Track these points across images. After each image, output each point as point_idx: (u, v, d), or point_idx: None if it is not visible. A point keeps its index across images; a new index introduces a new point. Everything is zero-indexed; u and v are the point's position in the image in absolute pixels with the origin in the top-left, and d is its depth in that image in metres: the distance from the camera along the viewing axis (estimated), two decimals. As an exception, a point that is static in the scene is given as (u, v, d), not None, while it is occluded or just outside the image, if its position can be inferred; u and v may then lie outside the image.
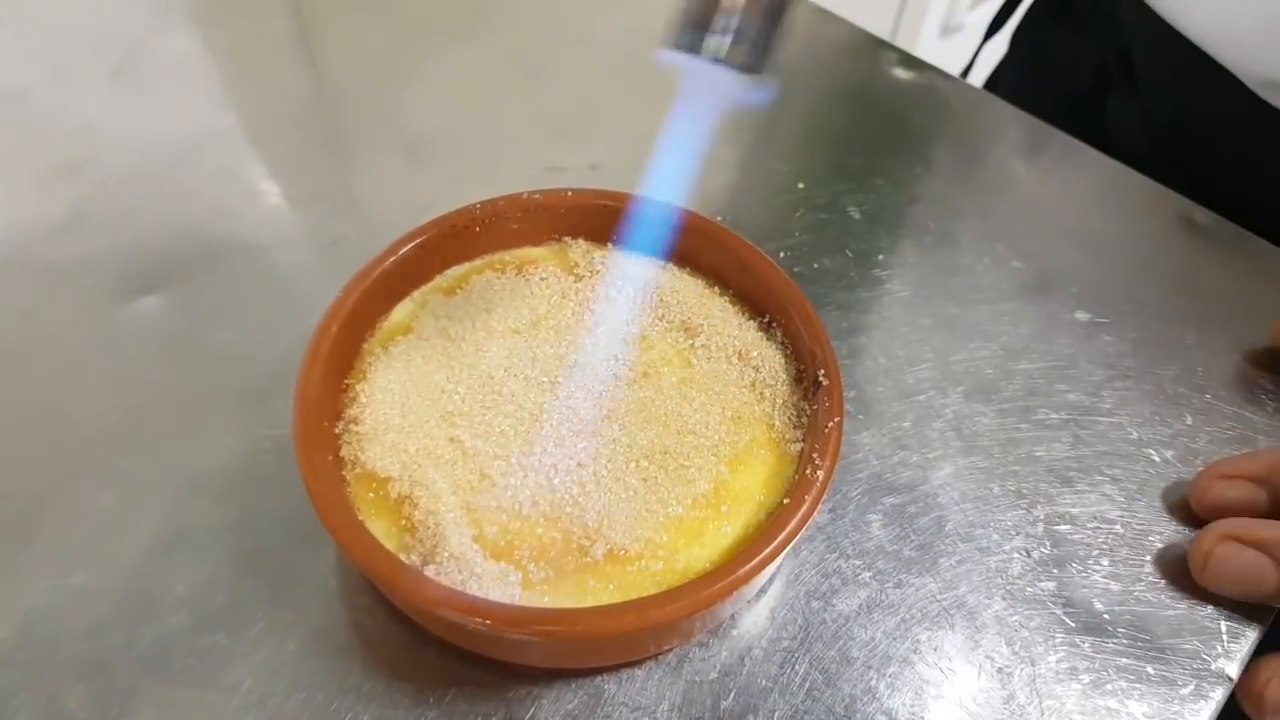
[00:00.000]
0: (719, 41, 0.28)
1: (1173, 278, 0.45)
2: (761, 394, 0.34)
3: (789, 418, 0.34)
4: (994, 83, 0.70)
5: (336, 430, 0.33)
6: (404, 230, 0.36)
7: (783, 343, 0.36)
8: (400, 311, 0.37)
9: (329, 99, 0.53)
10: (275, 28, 0.56)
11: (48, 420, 0.37)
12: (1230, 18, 0.47)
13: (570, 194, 0.39)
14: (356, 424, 0.33)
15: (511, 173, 0.48)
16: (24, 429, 0.37)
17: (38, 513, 0.35)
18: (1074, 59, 0.63)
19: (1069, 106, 0.52)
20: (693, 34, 0.28)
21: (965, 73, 0.59)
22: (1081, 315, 0.44)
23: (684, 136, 0.31)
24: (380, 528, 0.31)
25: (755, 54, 0.28)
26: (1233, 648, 0.33)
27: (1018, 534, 0.36)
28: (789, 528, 0.29)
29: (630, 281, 0.38)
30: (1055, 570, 0.35)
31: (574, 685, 0.31)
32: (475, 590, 0.29)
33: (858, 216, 0.47)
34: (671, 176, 0.32)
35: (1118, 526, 0.36)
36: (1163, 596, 0.35)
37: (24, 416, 0.37)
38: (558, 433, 0.32)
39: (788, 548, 0.29)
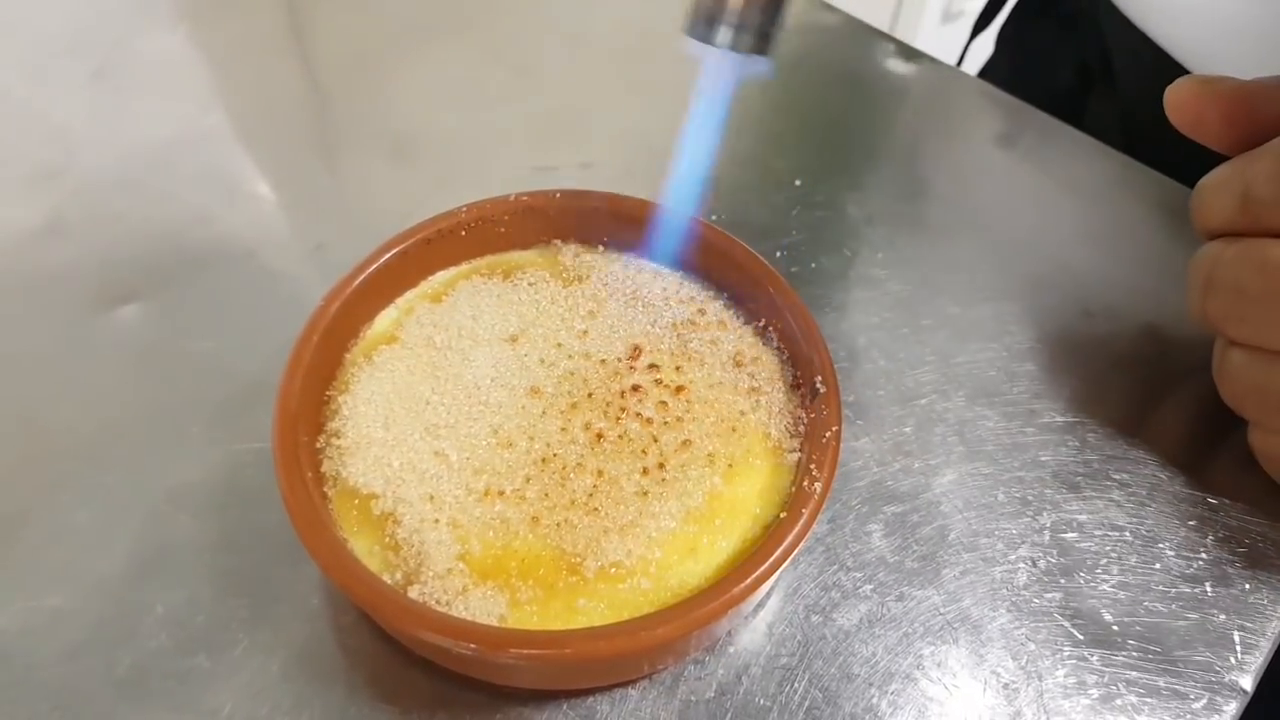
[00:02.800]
0: (728, 33, 0.32)
1: (1176, 267, 0.44)
2: (757, 401, 0.33)
3: (785, 426, 0.33)
4: (982, 78, 0.70)
5: (318, 444, 0.32)
6: (390, 234, 0.35)
7: (779, 347, 0.35)
8: (384, 319, 0.36)
9: (313, 99, 0.52)
10: (258, 27, 0.55)
11: (23, 435, 0.36)
12: (1194, 25, 0.48)
13: (559, 195, 0.37)
14: (338, 438, 0.32)
15: (501, 173, 0.47)
16: (-1, 444, 0.36)
17: (12, 531, 0.34)
18: (1057, 58, 0.63)
19: (1051, 105, 0.52)
20: (704, 26, 0.32)
21: (956, 67, 0.59)
22: (1087, 312, 0.42)
23: (701, 125, 0.35)
24: (363, 546, 0.30)
25: (761, 41, 0.32)
26: (1246, 659, 0.32)
27: (1023, 543, 0.35)
28: (785, 543, 0.28)
29: (622, 285, 0.36)
30: (1062, 580, 0.34)
31: (565, 706, 0.30)
32: (461, 611, 0.28)
33: (856, 213, 0.46)
34: (693, 163, 0.36)
35: (1126, 534, 0.35)
36: (1174, 606, 0.33)
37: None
38: (546, 445, 0.31)
39: (784, 564, 0.28)
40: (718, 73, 0.33)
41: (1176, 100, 0.36)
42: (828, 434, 0.31)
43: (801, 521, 0.29)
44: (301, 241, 0.44)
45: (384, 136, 0.49)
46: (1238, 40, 0.47)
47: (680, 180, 0.36)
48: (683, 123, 0.35)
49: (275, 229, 0.44)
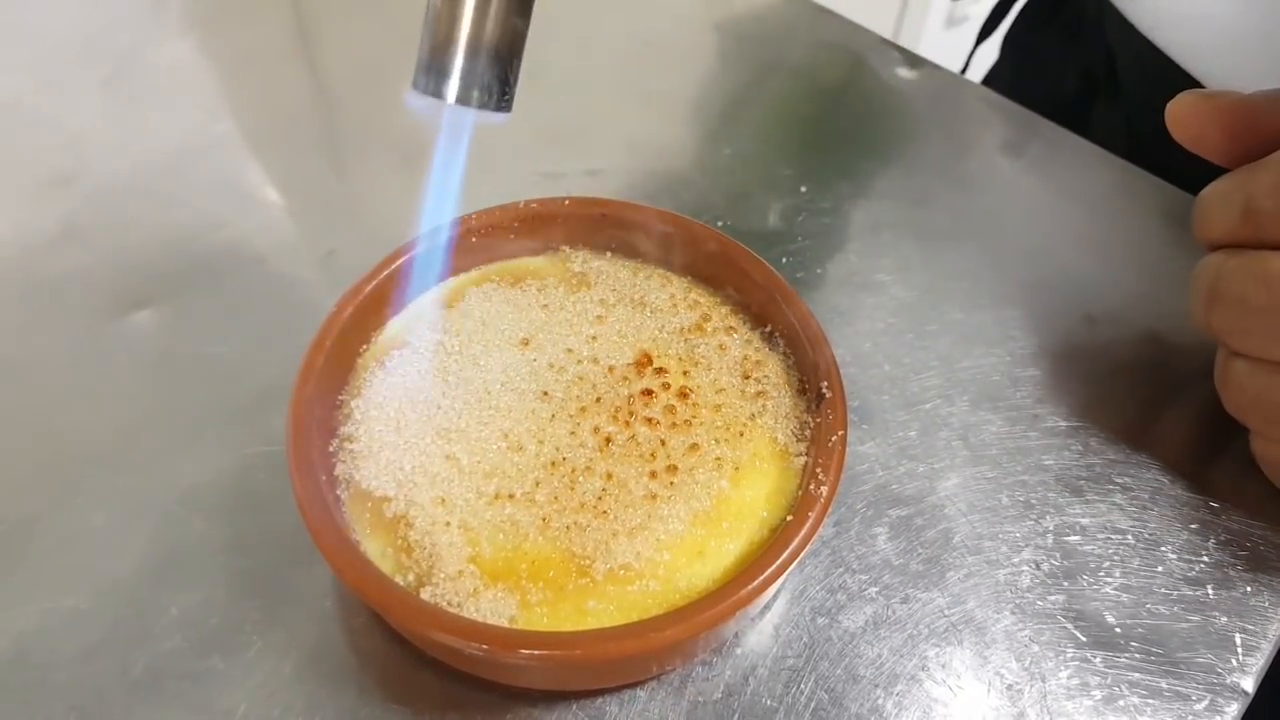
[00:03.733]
0: (456, 85, 0.28)
1: (1178, 273, 0.44)
2: (764, 406, 0.34)
3: (792, 430, 0.33)
4: (987, 86, 0.71)
5: (331, 448, 0.32)
6: (401, 240, 0.36)
7: (785, 353, 0.35)
8: (395, 324, 0.36)
9: (324, 107, 0.52)
10: (269, 35, 0.56)
11: (38, 439, 0.37)
12: (1199, 33, 0.48)
13: (568, 202, 0.38)
14: (351, 441, 0.32)
15: (509, 180, 0.48)
16: (14, 448, 0.37)
17: (28, 534, 0.34)
18: (1062, 65, 0.63)
19: (1055, 112, 0.52)
20: (429, 78, 0.28)
21: (961, 74, 0.59)
22: (1090, 318, 0.43)
23: (443, 177, 0.33)
24: (376, 548, 0.30)
25: (494, 94, 0.28)
26: (1248, 661, 0.33)
27: (1027, 546, 0.35)
28: (792, 546, 0.29)
29: (629, 291, 0.37)
30: (1065, 583, 0.34)
31: (575, 707, 0.31)
32: (472, 612, 0.28)
33: (861, 220, 0.47)
34: (440, 214, 0.34)
35: (1129, 537, 0.36)
36: (1176, 609, 0.34)
37: (14, 436, 0.37)
38: (555, 449, 0.32)
39: (790, 567, 0.29)
40: (451, 131, 0.31)
41: (1177, 115, 0.36)
42: (833, 438, 0.31)
43: (808, 524, 0.29)
44: (312, 248, 0.44)
45: (393, 144, 0.50)
46: (1244, 47, 0.48)
47: (424, 247, 0.35)
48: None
49: (286, 235, 0.45)
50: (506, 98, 0.29)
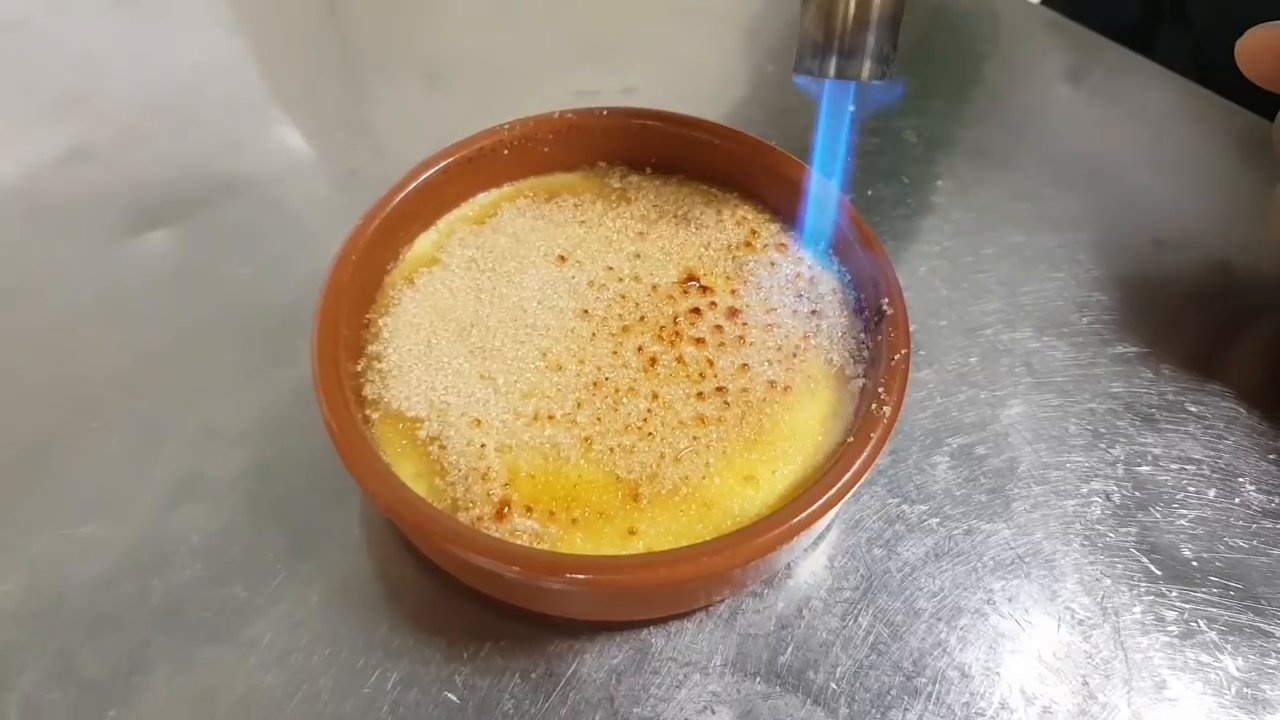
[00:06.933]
0: (842, 62, 0.28)
1: (1248, 198, 0.42)
2: (818, 325, 0.31)
3: (849, 351, 0.31)
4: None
5: (358, 368, 0.30)
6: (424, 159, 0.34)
7: (840, 270, 0.33)
8: (425, 241, 0.34)
9: (343, 21, 0.50)
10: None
11: (51, 361, 0.35)
12: None
13: (606, 113, 0.36)
14: (379, 360, 0.30)
15: (539, 98, 0.45)
16: (26, 370, 0.35)
17: (41, 458, 0.32)
18: None
19: (1116, 39, 0.49)
20: (815, 59, 0.28)
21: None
22: (1157, 242, 0.40)
23: (829, 154, 0.32)
24: (408, 471, 0.28)
25: (880, 65, 0.28)
26: (1335, 597, 0.31)
27: (1096, 476, 0.33)
28: (854, 468, 0.27)
29: (672, 207, 0.35)
30: (1138, 514, 0.32)
31: (618, 638, 0.29)
32: (510, 537, 0.27)
33: (913, 140, 0.44)
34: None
35: (1204, 467, 0.33)
36: (1255, 542, 0.32)
37: (26, 357, 0.35)
38: (597, 368, 0.30)
39: (853, 489, 0.27)
40: (837, 107, 0.30)
41: (1250, 51, 0.34)
42: (896, 357, 0.29)
43: (870, 446, 0.27)
44: (333, 168, 0.42)
45: (417, 61, 0.47)
46: None
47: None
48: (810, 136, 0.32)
49: (306, 155, 0.43)
50: (893, 65, 0.29)
